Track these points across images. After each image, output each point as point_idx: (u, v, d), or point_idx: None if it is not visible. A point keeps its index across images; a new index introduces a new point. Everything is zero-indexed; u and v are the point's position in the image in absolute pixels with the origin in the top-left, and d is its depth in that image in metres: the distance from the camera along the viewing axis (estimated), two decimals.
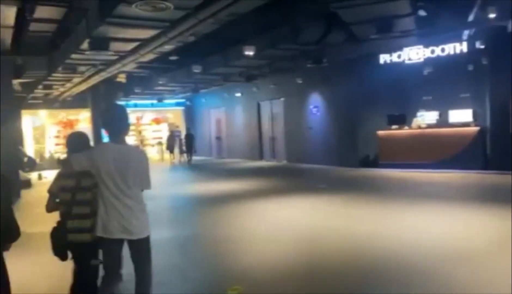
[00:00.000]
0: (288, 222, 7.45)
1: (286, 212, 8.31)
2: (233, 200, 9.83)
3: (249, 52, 10.40)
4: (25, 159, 21.25)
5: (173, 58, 12.03)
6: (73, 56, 10.72)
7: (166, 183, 13.84)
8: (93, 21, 8.23)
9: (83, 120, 23.58)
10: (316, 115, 16.59)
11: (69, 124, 24.92)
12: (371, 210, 8.07)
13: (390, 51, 13.65)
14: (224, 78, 16.69)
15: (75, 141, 3.56)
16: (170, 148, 22.10)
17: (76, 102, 21.42)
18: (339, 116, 15.32)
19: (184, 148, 21.91)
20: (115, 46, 9.47)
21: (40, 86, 16.14)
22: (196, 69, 12.29)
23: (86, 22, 8.65)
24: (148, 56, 12.15)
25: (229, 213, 8.49)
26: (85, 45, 9.28)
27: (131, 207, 3.20)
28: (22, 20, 9.45)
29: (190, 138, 21.34)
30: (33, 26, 10.15)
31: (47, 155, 23.40)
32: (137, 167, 3.26)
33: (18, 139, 21.23)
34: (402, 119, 13.49)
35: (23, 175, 14.34)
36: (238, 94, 20.92)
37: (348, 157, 14.85)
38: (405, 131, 13.56)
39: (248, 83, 18.32)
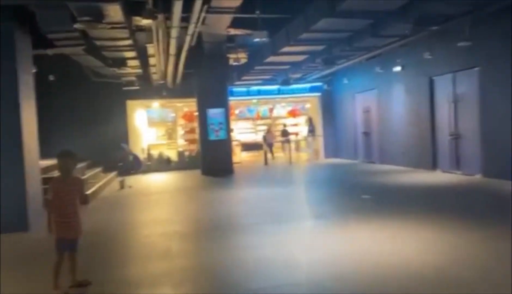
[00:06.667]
0: None
1: None
2: None
3: None
4: (131, 158, 17.95)
5: None
6: None
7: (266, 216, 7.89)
8: None
9: None
10: None
11: (190, 117, 20.94)
12: None
13: None
14: (371, 30, 9.64)
15: None
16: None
17: (183, 89, 17.06)
18: None
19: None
20: None
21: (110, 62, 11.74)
22: None
23: None
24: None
25: None
26: None
27: None
28: None
29: (286, 134, 19.96)
30: None
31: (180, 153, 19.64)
32: None
33: (122, 135, 18.05)
34: None
35: None
36: (398, 68, 13.72)
37: None
38: None
39: (415, 43, 11.12)
